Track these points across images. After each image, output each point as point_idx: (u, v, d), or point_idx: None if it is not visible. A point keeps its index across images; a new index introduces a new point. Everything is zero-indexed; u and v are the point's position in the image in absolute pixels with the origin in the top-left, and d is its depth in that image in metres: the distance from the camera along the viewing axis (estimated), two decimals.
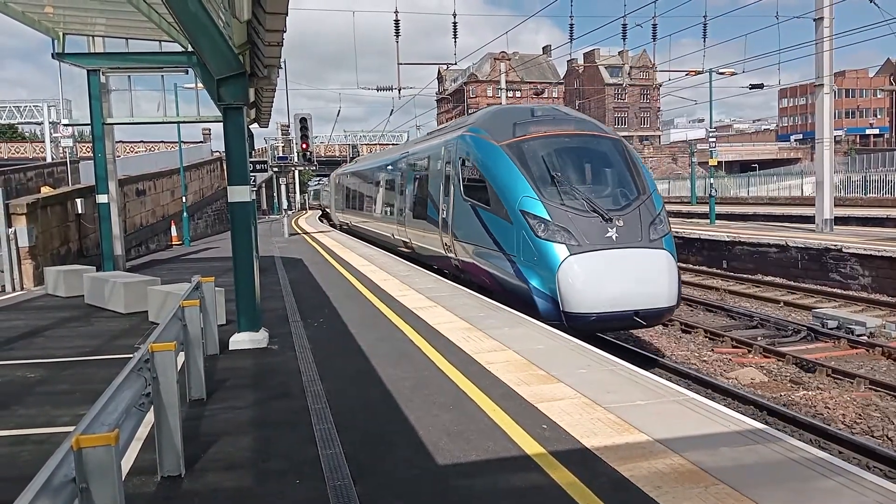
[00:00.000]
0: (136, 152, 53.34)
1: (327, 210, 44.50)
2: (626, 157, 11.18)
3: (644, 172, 11.08)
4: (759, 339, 11.70)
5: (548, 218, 9.95)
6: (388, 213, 20.01)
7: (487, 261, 11.35)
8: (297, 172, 58.70)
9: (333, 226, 37.17)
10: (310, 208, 72.96)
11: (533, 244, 9.95)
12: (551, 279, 9.60)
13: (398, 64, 27.14)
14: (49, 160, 41.82)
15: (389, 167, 20.42)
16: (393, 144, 64.52)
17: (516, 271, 10.30)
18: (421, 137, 21.50)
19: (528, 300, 10.00)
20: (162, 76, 17.38)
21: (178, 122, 21.81)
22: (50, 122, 50.77)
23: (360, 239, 25.55)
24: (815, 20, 20.02)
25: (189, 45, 12.60)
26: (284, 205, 35.29)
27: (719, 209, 28.34)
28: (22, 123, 67.76)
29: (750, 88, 33.91)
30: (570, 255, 9.55)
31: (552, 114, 12.17)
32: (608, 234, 9.77)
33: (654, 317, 9.91)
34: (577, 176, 10.71)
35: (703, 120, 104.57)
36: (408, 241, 17.30)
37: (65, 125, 33.71)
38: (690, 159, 43.22)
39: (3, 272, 14.35)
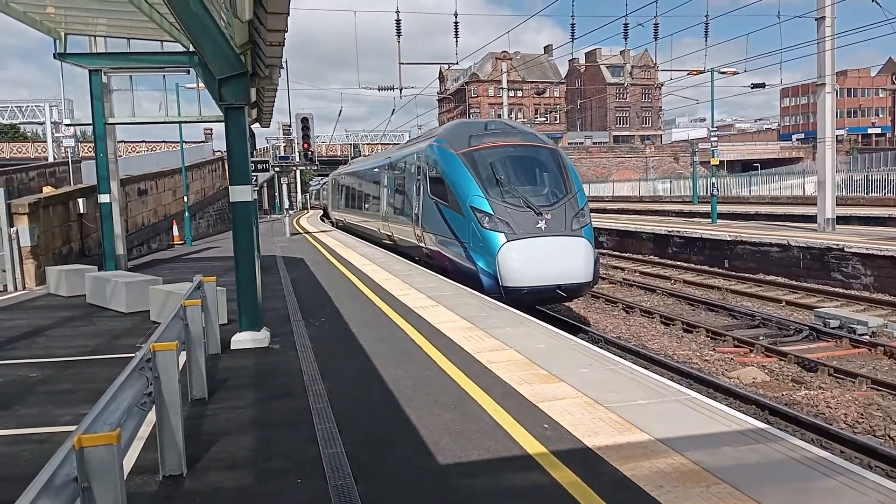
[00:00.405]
0: (137, 152, 53.42)
1: (327, 209, 45.45)
2: (558, 163, 13.52)
3: (573, 176, 13.44)
4: (760, 338, 11.69)
5: (491, 212, 12.34)
6: (375, 211, 22.42)
7: (447, 248, 13.69)
8: (298, 172, 58.70)
9: (333, 224, 38.00)
10: (311, 208, 73.00)
11: (479, 233, 12.33)
12: (493, 261, 11.98)
13: (399, 63, 27.13)
14: (51, 160, 41.87)
15: (376, 170, 22.73)
16: (393, 144, 64.67)
17: (467, 255, 12.65)
18: (401, 145, 24.36)
19: (476, 278, 12.22)
20: (163, 76, 17.40)
21: (180, 122, 21.83)
22: (52, 122, 50.83)
23: (353, 234, 27.44)
24: (816, 19, 19.98)
25: (191, 46, 12.60)
26: (286, 204, 35.30)
27: (721, 209, 28.32)
28: (24, 123, 67.82)
29: (752, 88, 33.84)
30: (507, 241, 11.95)
31: (502, 128, 14.54)
32: (538, 225, 12.16)
33: (574, 290, 12.24)
34: (516, 178, 13.07)
35: (704, 119, 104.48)
36: (390, 234, 19.65)
37: (67, 125, 33.76)
38: (692, 159, 43.23)
39: (5, 272, 14.37)
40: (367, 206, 24.47)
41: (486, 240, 12.18)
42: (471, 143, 13.72)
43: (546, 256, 11.85)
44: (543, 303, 13.23)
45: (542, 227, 12.15)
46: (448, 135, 14.83)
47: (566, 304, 14.77)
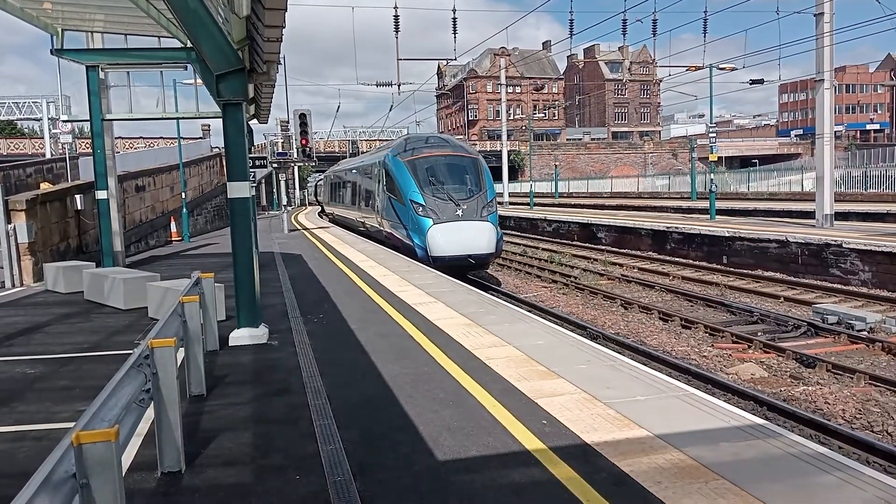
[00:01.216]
0: (135, 148, 53.23)
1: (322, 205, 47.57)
2: (476, 168, 18.25)
3: (486, 178, 18.06)
4: (759, 334, 11.70)
5: (424, 203, 17.06)
6: (352, 204, 27.63)
7: (396, 230, 18.43)
8: (296, 168, 58.59)
9: (327, 216, 40.42)
10: (309, 204, 72.95)
11: (416, 219, 17.06)
12: (424, 238, 16.65)
13: (398, 59, 27.18)
14: (48, 156, 41.75)
15: (353, 172, 27.72)
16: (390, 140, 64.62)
17: (408, 235, 17.37)
18: (372, 150, 29.75)
19: (414, 251, 16.84)
20: (161, 72, 17.30)
21: (178, 118, 21.74)
22: (49, 119, 50.70)
23: (341, 226, 31.51)
24: (815, 15, 19.96)
25: (188, 41, 12.56)
26: (284, 201, 35.29)
27: (719, 205, 28.29)
28: (21, 120, 67.62)
29: (750, 84, 33.78)
30: (434, 224, 16.65)
31: (437, 141, 19.73)
32: (457, 213, 16.85)
33: (481, 259, 16.90)
34: (443, 179, 17.75)
35: (703, 115, 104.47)
36: (363, 222, 24.58)
37: (64, 121, 33.63)
38: (690, 155, 43.19)
39: (2, 268, 14.35)
40: (348, 200, 29.35)
41: (419, 224, 16.90)
42: (414, 153, 18.52)
43: (461, 235, 16.48)
44: (461, 269, 16.73)
45: (459, 214, 16.83)
46: (398, 146, 19.66)
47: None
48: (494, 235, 16.83)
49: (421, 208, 16.98)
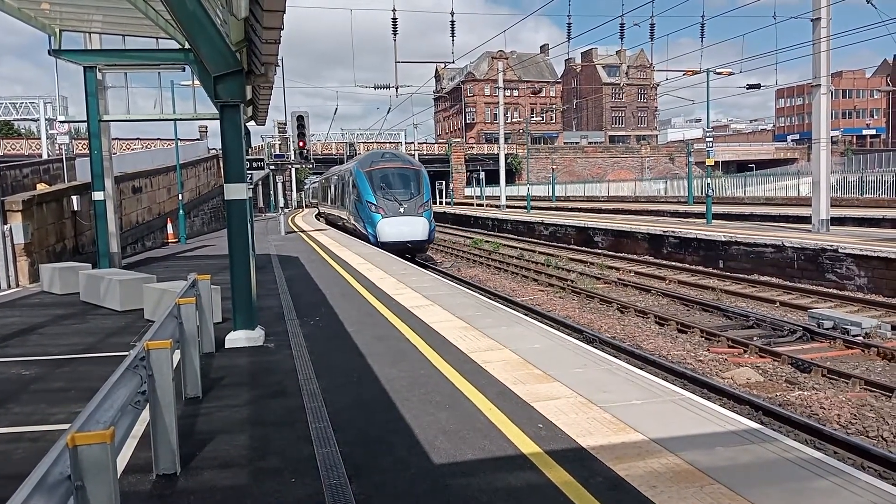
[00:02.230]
0: (132, 149, 53.15)
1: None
2: (417, 177, 24.13)
3: (424, 184, 24.01)
4: (754, 339, 11.71)
5: (376, 203, 22.94)
6: (332, 204, 34.54)
7: (358, 223, 24.62)
8: (293, 170, 58.55)
9: (324, 219, 42.92)
10: (306, 206, 72.86)
11: (370, 214, 23.03)
12: (375, 229, 22.53)
13: (396, 62, 27.23)
14: (45, 157, 41.61)
15: (335, 178, 34.27)
16: (390, 143, 65.04)
17: (364, 226, 23.46)
18: (350, 161, 35.28)
19: (368, 238, 22.90)
20: (158, 73, 17.31)
21: (175, 120, 21.71)
22: (46, 119, 50.61)
23: (332, 225, 35.86)
24: (812, 20, 20.03)
25: (186, 43, 12.57)
26: (281, 203, 35.29)
27: (716, 209, 28.33)
28: (18, 120, 67.27)
29: (747, 88, 33.95)
30: (383, 218, 22.50)
31: (390, 157, 25.85)
32: (400, 210, 22.64)
33: (418, 244, 22.79)
34: (391, 185, 23.55)
35: (700, 120, 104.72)
36: (340, 216, 30.89)
37: (61, 122, 33.54)
38: (687, 159, 43.25)
39: None
40: (331, 201, 35.43)
41: (372, 218, 22.81)
42: (371, 165, 24.36)
43: (402, 226, 22.18)
44: (403, 252, 21.55)
45: (401, 211, 22.56)
46: (362, 160, 25.83)
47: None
48: (428, 227, 22.78)
49: (374, 206, 22.89)
